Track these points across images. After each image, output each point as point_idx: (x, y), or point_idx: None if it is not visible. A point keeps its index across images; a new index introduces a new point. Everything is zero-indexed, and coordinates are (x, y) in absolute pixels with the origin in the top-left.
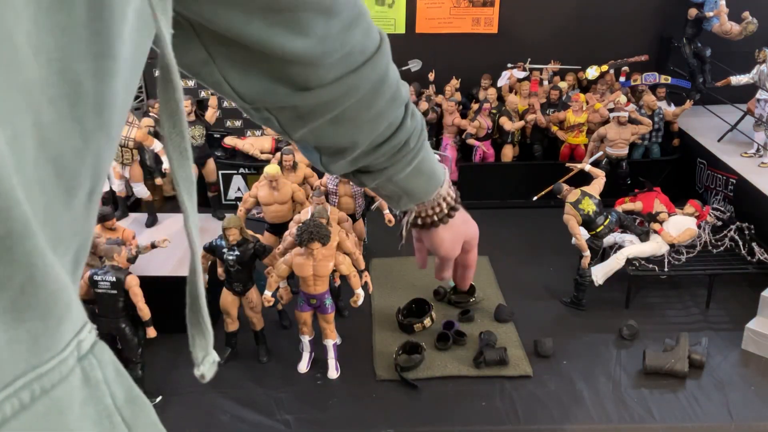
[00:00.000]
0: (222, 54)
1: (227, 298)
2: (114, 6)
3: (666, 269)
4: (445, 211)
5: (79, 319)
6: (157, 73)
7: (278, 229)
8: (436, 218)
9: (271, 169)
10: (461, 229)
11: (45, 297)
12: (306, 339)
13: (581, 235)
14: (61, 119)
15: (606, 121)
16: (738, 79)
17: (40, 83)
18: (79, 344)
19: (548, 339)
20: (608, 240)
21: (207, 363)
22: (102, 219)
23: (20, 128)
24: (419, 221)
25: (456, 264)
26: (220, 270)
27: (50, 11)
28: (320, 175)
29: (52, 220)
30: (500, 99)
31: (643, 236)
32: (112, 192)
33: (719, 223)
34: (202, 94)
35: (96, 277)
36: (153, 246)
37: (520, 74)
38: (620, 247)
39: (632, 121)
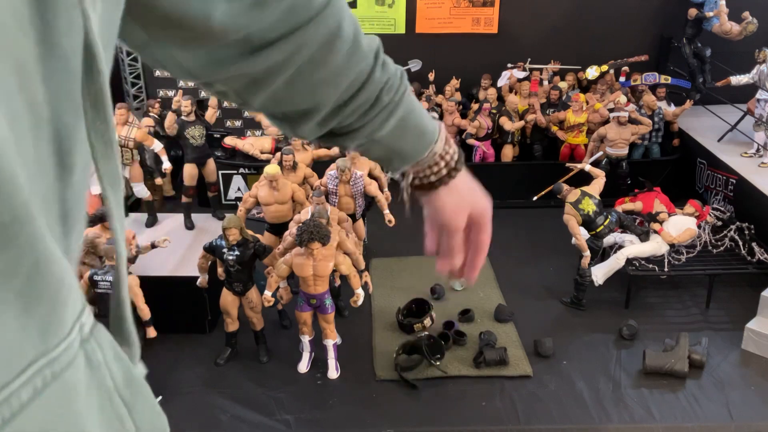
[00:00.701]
0: (160, 34)
1: (227, 298)
2: None
3: (666, 269)
4: (444, 171)
5: (78, 301)
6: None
7: (278, 229)
8: (433, 178)
9: (271, 169)
10: (467, 196)
11: (51, 282)
12: (306, 339)
13: (581, 235)
14: (55, 96)
15: (606, 121)
16: (738, 79)
17: (32, 61)
18: (81, 327)
19: (548, 339)
20: (608, 240)
21: None
22: (102, 219)
23: (16, 109)
24: (416, 181)
25: (465, 248)
26: (220, 270)
27: None
28: (320, 175)
29: (54, 200)
30: (500, 99)
31: (643, 236)
32: None
33: (719, 223)
34: (202, 94)
35: (96, 277)
36: (153, 246)
37: (520, 74)
38: (620, 247)
39: (632, 121)
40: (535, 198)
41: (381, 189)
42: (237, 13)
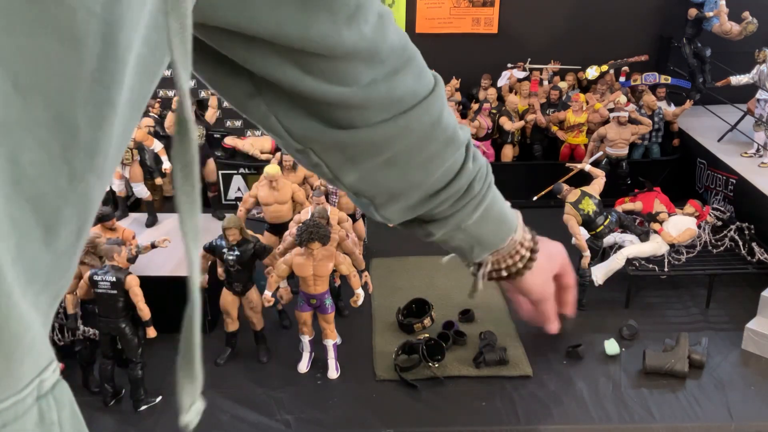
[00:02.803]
0: (268, 88)
1: (227, 298)
2: (121, 57)
3: (666, 269)
4: (528, 255)
5: (43, 357)
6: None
7: (278, 229)
8: (520, 266)
9: (271, 169)
10: (548, 266)
11: (6, 339)
12: (306, 339)
13: (581, 235)
14: (48, 160)
15: (606, 121)
16: (738, 79)
17: (27, 124)
18: (41, 383)
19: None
20: (608, 240)
21: (193, 411)
22: (102, 219)
23: None
24: (503, 273)
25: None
26: (220, 270)
27: (60, 60)
28: None
29: (26, 257)
30: (500, 99)
31: (643, 236)
32: (112, 192)
33: (719, 223)
34: (202, 94)
35: (96, 277)
36: (153, 246)
37: (520, 74)
38: (620, 247)
39: (632, 121)
40: (535, 198)
41: None
42: (350, 93)
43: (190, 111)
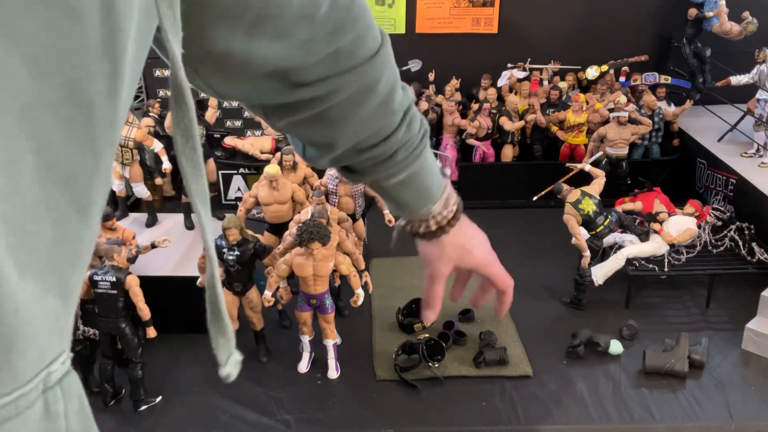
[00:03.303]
0: (203, 65)
1: (227, 298)
2: (123, 26)
3: (666, 269)
4: (432, 228)
5: (52, 349)
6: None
7: (278, 229)
8: (422, 231)
9: (271, 169)
10: (450, 252)
11: (4, 332)
12: (306, 339)
13: (581, 235)
14: (73, 139)
15: (606, 121)
16: (738, 79)
17: (48, 106)
18: (48, 376)
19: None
20: (608, 240)
21: (231, 362)
22: (102, 219)
23: (17, 153)
24: (407, 227)
25: (481, 287)
26: (220, 270)
27: (69, 36)
28: (320, 175)
29: (66, 240)
30: (500, 99)
31: (643, 236)
32: (112, 192)
33: (719, 223)
34: (202, 94)
35: (96, 277)
36: (153, 246)
37: (520, 74)
38: (620, 247)
39: (632, 121)
40: (535, 198)
41: None
42: (287, 48)
43: (184, 77)
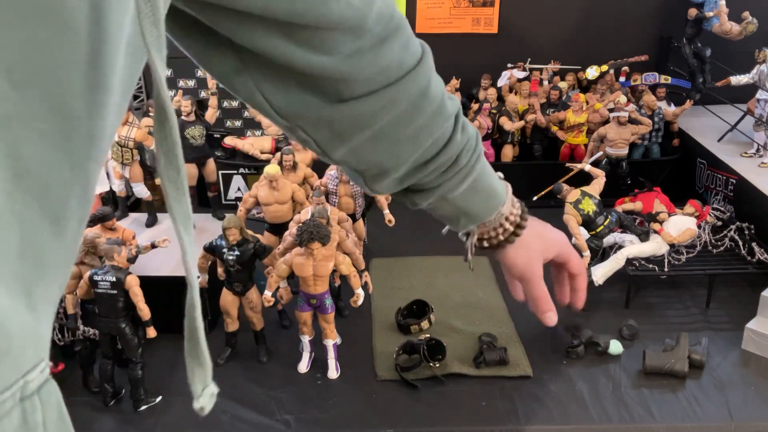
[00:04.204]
0: (254, 62)
1: (227, 298)
2: (112, 40)
3: (666, 269)
4: (511, 229)
5: (29, 358)
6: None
7: (278, 229)
8: (501, 238)
9: (271, 169)
10: (536, 246)
11: None
12: (306, 339)
13: (581, 235)
14: (48, 151)
15: (606, 121)
16: (738, 79)
17: (25, 118)
18: (25, 385)
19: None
20: (608, 240)
21: (206, 395)
22: (102, 219)
23: None
24: (485, 243)
25: (560, 281)
26: (220, 270)
27: (54, 48)
28: (320, 175)
29: (32, 251)
30: (500, 99)
31: (643, 236)
32: (112, 192)
33: (719, 223)
34: (202, 94)
35: (96, 277)
36: (153, 246)
37: (520, 74)
38: (620, 247)
39: (632, 121)
40: (535, 198)
41: None
42: (334, 60)
43: (167, 94)
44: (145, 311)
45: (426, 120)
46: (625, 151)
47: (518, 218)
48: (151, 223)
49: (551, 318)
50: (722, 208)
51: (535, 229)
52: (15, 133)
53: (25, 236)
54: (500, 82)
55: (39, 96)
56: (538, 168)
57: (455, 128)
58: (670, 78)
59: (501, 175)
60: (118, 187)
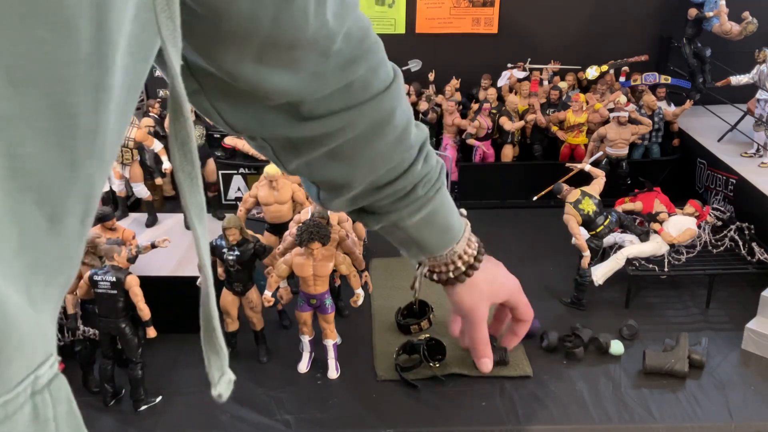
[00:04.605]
0: (212, 85)
1: (227, 298)
2: (113, 39)
3: (666, 269)
4: (462, 269)
5: (39, 353)
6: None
7: (278, 229)
8: (451, 275)
9: (271, 169)
10: (485, 289)
11: None
12: (306, 339)
13: (581, 235)
14: (47, 149)
15: (606, 121)
16: (738, 79)
17: (24, 116)
18: (36, 380)
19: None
20: (608, 240)
21: (223, 382)
22: (102, 219)
23: None
24: (434, 277)
25: (499, 318)
26: (220, 270)
27: (54, 47)
28: None
29: (30, 249)
30: (500, 99)
31: (643, 236)
32: (112, 192)
33: (719, 223)
34: None
35: (96, 277)
36: (153, 246)
37: (520, 74)
38: (620, 247)
39: (632, 121)
40: (535, 198)
41: None
42: (298, 79)
43: (182, 89)
44: (145, 311)
45: (385, 146)
46: (625, 151)
47: (472, 258)
48: (151, 223)
49: (486, 365)
50: (722, 208)
51: (487, 272)
52: (13, 131)
53: (22, 234)
54: (500, 82)
55: (39, 95)
56: (538, 168)
57: (417, 158)
58: (670, 78)
59: (464, 212)
60: (118, 187)
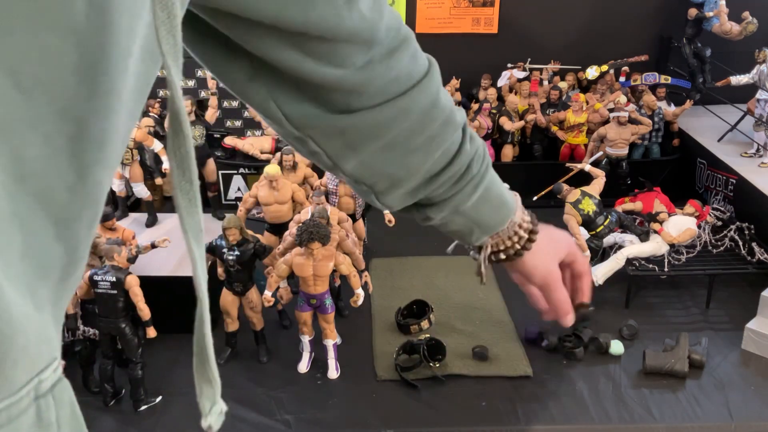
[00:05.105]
0: (268, 71)
1: (227, 298)
2: (120, 46)
3: (666, 269)
4: (525, 236)
5: (42, 357)
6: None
7: (278, 229)
8: (518, 247)
9: (271, 169)
10: (550, 250)
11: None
12: (306, 339)
13: (581, 235)
14: (54, 154)
15: (606, 121)
16: (738, 79)
17: (30, 121)
18: (39, 383)
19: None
20: (608, 240)
21: (214, 413)
22: (102, 219)
23: None
24: (501, 255)
25: (565, 280)
26: (220, 270)
27: (60, 53)
28: (320, 175)
29: (35, 253)
30: (500, 99)
31: (643, 236)
32: (112, 192)
33: (719, 223)
34: (202, 94)
35: (96, 277)
36: (153, 246)
37: (520, 74)
38: (620, 247)
39: (632, 121)
40: (535, 198)
41: None
42: (345, 73)
43: (182, 104)
44: (145, 311)
45: (436, 129)
46: (625, 151)
47: (530, 224)
48: (151, 223)
49: (571, 319)
50: (722, 208)
51: (547, 234)
52: (20, 135)
53: (27, 238)
54: (500, 82)
55: (45, 100)
56: (538, 168)
57: (464, 138)
58: (670, 78)
59: (507, 186)
60: (118, 187)
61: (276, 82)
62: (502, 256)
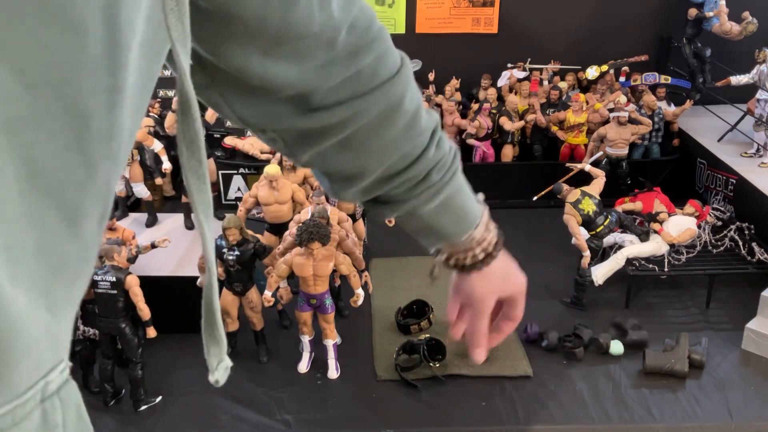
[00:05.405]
0: (222, 79)
1: (227, 298)
2: (125, 40)
3: (666, 269)
4: (480, 257)
5: (48, 359)
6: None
7: (278, 229)
8: (468, 262)
9: (271, 169)
10: (498, 282)
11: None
12: (306, 339)
13: (581, 235)
14: (63, 151)
15: (606, 121)
16: (738, 79)
17: (38, 119)
18: (46, 385)
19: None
20: (608, 240)
21: (221, 369)
22: None
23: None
24: (452, 262)
25: (493, 317)
26: (220, 270)
27: (66, 50)
28: None
29: (49, 252)
30: (500, 99)
31: (643, 236)
32: None
33: (719, 223)
34: None
35: (96, 277)
36: (153, 246)
37: (520, 74)
38: (620, 247)
39: (632, 121)
40: (535, 198)
41: None
42: (305, 71)
43: (191, 88)
44: (145, 311)
45: (396, 132)
46: (625, 151)
47: (491, 246)
48: (151, 223)
49: (481, 355)
50: (722, 208)
51: (503, 264)
52: (28, 134)
53: (40, 237)
54: (500, 82)
55: (51, 97)
56: (538, 168)
57: (429, 144)
58: (670, 78)
59: (481, 197)
60: (118, 187)
61: (230, 88)
62: (452, 263)
